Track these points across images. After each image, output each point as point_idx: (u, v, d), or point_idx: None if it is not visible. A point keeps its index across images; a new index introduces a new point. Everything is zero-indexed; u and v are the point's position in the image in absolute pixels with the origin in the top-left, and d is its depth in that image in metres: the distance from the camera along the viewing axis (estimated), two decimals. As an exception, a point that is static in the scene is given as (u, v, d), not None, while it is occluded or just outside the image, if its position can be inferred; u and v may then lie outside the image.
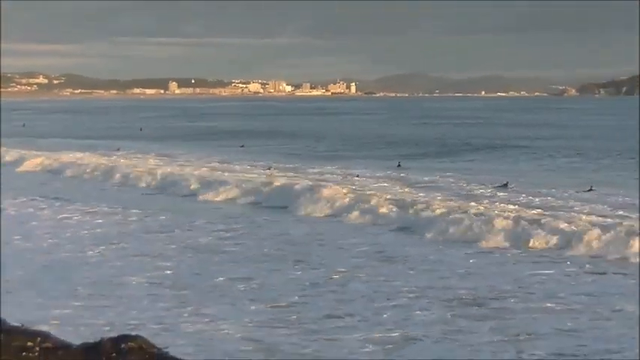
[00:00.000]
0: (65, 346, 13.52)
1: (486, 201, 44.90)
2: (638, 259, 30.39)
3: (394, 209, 41.66)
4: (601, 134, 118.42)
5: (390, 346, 20.83)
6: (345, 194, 46.19)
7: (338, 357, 20.02)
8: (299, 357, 20.09)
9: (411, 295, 25.88)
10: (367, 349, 20.51)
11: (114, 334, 13.92)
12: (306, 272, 29.79)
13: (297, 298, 25.78)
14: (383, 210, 41.84)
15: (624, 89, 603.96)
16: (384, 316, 23.56)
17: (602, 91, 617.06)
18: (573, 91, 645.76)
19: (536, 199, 45.82)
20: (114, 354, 12.65)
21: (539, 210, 41.17)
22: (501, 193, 48.91)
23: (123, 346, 12.93)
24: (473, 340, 21.19)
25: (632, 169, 68.18)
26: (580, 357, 19.99)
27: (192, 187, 53.87)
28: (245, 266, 30.85)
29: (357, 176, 59.41)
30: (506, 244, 34.00)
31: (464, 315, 23.62)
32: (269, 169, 64.66)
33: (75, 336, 15.64)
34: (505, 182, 54.00)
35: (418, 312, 23.88)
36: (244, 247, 34.85)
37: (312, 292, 26.71)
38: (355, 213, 42.03)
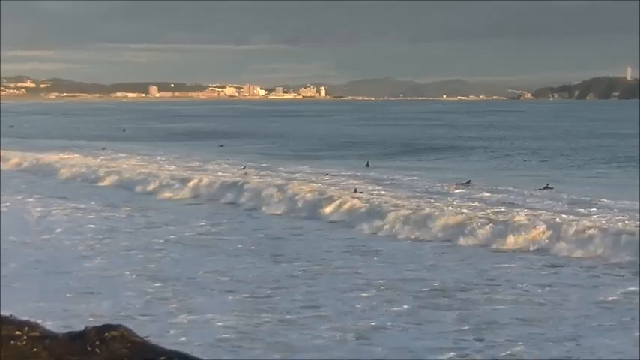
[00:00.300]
0: (52, 335, 13.51)
1: (451, 198, 45.08)
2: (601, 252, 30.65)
3: (363, 208, 41.63)
4: (554, 135, 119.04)
5: (360, 334, 20.84)
6: (313, 192, 46.19)
7: (312, 344, 20.03)
8: (277, 344, 20.09)
9: (381, 287, 25.97)
10: (338, 337, 20.54)
11: (98, 324, 14.05)
12: (282, 265, 29.83)
13: (273, 289, 25.84)
14: (352, 207, 41.90)
15: (576, 93, 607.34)
16: (355, 306, 23.59)
17: (555, 94, 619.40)
18: (529, 94, 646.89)
19: (498, 196, 45.92)
20: (97, 342, 12.54)
21: (500, 207, 41.29)
22: (465, 191, 49.03)
23: (106, 334, 12.89)
24: (437, 329, 21.23)
25: (587, 168, 69.30)
26: (536, 342, 20.04)
27: (166, 186, 53.25)
28: (223, 259, 30.86)
29: (327, 175, 59.47)
30: (471, 241, 34.03)
31: (430, 305, 23.67)
32: (243, 168, 64.61)
33: (62, 325, 15.64)
34: (468, 180, 54.31)
35: (387, 303, 23.93)
36: (225, 242, 34.72)
37: (288, 283, 26.79)
38: (327, 209, 41.96)
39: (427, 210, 38.96)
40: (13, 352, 12.41)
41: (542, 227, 33.61)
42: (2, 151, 76.23)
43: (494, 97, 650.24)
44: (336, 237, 36.09)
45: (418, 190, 49.97)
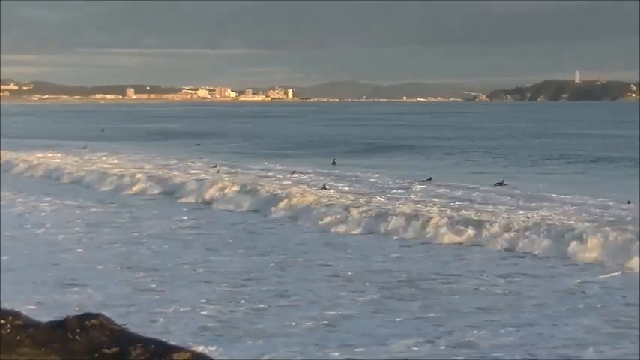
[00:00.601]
0: (34, 324, 13.41)
1: (413, 195, 45.12)
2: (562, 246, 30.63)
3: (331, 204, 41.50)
4: (509, 135, 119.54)
5: (327, 321, 20.86)
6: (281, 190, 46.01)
7: (284, 331, 20.00)
8: (254, 330, 20.09)
9: (349, 278, 25.99)
10: (308, 325, 20.53)
11: (79, 313, 13.89)
12: (256, 257, 29.84)
13: (247, 280, 25.81)
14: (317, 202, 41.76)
15: (528, 95, 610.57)
16: (324, 295, 23.60)
17: (509, 96, 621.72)
18: (484, 96, 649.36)
19: (456, 193, 45.85)
20: (78, 330, 12.53)
21: (458, 202, 41.40)
22: (426, 187, 49.02)
23: (86, 322, 12.82)
24: (401, 317, 21.22)
25: (540, 165, 69.67)
26: (493, 329, 20.06)
27: (145, 185, 52.79)
28: (199, 252, 30.75)
29: (293, 172, 59.32)
30: (437, 231, 33.95)
31: (395, 295, 23.67)
32: (215, 166, 64.36)
33: (45, 315, 15.47)
34: (429, 177, 54.35)
35: (354, 292, 23.93)
36: (202, 235, 34.69)
37: (261, 274, 26.70)
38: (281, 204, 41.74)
39: (390, 206, 39.01)
40: None
41: (498, 222, 33.61)
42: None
43: (451, 98, 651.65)
44: (307, 231, 35.98)
45: (382, 186, 49.97)
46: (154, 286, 25.13)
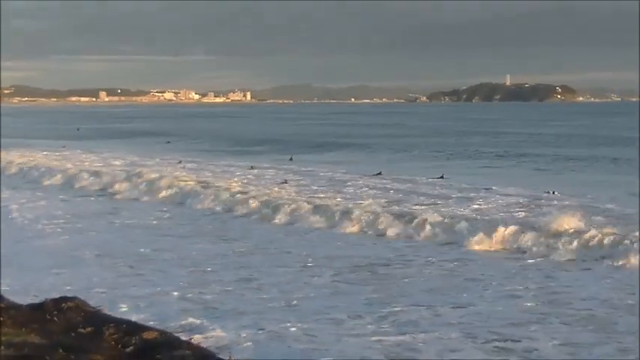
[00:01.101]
0: (15, 306, 13.48)
1: (366, 187, 45.36)
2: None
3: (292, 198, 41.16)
4: (448, 133, 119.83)
5: (288, 302, 20.89)
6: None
7: (250, 309, 20.03)
8: (222, 311, 20.07)
9: (309, 264, 25.96)
10: (272, 305, 20.59)
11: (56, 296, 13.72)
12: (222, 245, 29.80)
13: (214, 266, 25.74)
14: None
15: (464, 97, 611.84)
16: (285, 280, 23.55)
17: (446, 98, 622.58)
18: (424, 98, 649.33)
19: (404, 185, 46.13)
20: (55, 312, 12.82)
21: (406, 195, 41.80)
22: (377, 180, 49.18)
23: (63, 305, 13.12)
24: (354, 299, 21.21)
25: (474, 159, 70.41)
26: (435, 309, 20.11)
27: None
28: (170, 241, 30.60)
29: (252, 167, 58.73)
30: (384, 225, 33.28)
31: (349, 280, 23.67)
32: (180, 162, 63.92)
33: (25, 298, 15.26)
34: (379, 172, 54.32)
35: (316, 277, 23.96)
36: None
37: (227, 260, 26.59)
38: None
39: (346, 200, 38.95)
40: None
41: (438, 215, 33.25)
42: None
43: (395, 100, 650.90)
44: (269, 222, 35.58)
45: (337, 180, 49.91)
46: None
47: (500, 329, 18.33)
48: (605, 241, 27.24)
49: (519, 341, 17.46)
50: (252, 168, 58.17)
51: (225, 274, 24.37)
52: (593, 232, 28.36)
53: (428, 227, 31.71)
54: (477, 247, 28.98)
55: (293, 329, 18.23)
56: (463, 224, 31.44)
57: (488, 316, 19.49)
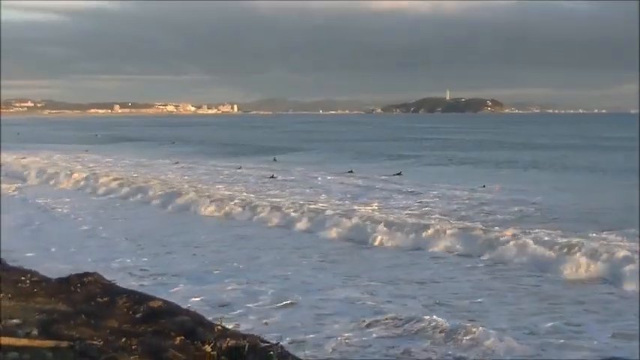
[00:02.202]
0: (46, 280, 13.56)
1: (342, 183, 45.46)
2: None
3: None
4: (403, 138, 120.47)
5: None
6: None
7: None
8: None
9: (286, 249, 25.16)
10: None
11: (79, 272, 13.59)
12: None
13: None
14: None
15: (412, 109, 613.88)
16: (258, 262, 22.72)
17: (397, 110, 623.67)
18: (379, 110, 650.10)
19: (368, 181, 46.50)
20: (78, 285, 12.68)
21: (368, 189, 42.13)
22: (352, 178, 49.23)
23: (85, 279, 12.97)
24: (324, 278, 20.38)
25: (429, 158, 71.20)
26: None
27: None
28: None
29: (240, 168, 58.18)
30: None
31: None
32: (177, 163, 63.61)
33: (54, 273, 15.07)
34: (350, 170, 54.57)
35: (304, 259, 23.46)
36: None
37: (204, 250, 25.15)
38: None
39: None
40: (19, 292, 12.38)
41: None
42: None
43: (355, 111, 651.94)
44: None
45: (315, 176, 50.03)
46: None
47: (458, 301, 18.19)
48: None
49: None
50: (240, 168, 57.83)
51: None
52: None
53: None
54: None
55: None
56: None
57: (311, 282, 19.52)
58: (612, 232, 25.56)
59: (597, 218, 29.61)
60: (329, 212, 30.75)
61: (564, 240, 23.41)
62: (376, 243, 25.69)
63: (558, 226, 27.29)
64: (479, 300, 17.86)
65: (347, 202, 35.87)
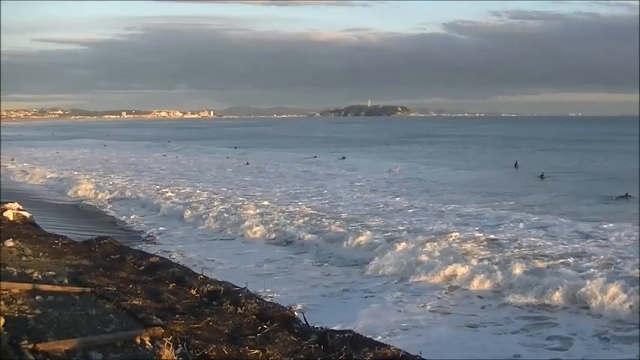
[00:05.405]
0: (74, 242, 13.56)
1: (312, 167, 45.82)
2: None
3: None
4: (343, 131, 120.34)
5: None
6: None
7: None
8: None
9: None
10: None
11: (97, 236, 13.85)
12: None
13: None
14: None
15: (343, 113, 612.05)
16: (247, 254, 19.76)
17: (332, 114, 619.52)
18: (318, 114, 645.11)
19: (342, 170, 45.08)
20: (97, 246, 12.82)
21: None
22: (314, 165, 48.27)
23: (102, 241, 13.21)
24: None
25: (363, 147, 71.24)
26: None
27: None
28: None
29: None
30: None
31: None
32: (176, 157, 62.93)
33: (79, 238, 15.02)
34: (315, 155, 54.56)
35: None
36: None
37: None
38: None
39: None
40: (53, 251, 12.42)
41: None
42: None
43: (300, 115, 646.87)
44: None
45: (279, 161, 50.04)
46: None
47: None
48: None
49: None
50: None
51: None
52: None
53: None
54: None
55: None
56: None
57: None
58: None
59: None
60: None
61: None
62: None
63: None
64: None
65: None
